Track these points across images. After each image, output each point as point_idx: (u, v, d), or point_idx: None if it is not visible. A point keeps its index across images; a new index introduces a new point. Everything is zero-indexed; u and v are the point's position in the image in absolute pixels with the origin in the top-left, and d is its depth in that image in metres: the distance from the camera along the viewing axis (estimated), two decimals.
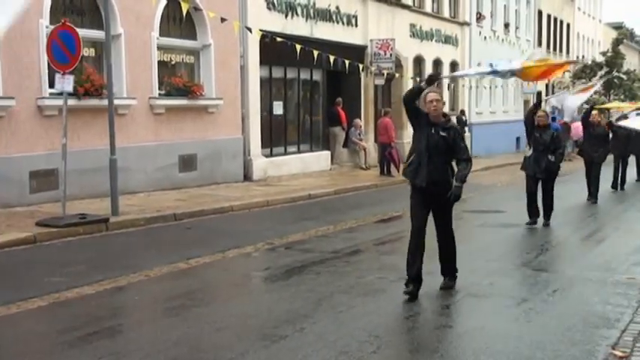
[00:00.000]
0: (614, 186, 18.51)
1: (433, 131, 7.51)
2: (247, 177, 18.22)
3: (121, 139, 13.21)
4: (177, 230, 11.80)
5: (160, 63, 15.95)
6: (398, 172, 20.98)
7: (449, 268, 7.91)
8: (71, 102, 12.55)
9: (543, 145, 12.17)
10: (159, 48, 15.78)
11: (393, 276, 8.35)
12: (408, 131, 26.53)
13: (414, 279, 7.38)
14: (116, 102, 13.13)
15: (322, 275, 8.48)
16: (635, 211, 15.50)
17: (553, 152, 12.23)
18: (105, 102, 12.72)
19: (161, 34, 15.77)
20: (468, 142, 30.36)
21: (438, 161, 7.49)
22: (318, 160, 21.52)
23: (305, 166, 20.45)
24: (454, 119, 29.24)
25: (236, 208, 14.01)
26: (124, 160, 13.53)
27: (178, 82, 16.27)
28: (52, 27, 12.02)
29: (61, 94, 11.58)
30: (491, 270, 8.99)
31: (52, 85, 12.38)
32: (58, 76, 11.38)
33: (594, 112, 16.95)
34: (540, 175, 12.30)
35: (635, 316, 6.75)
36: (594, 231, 12.58)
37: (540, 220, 12.48)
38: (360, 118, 23.07)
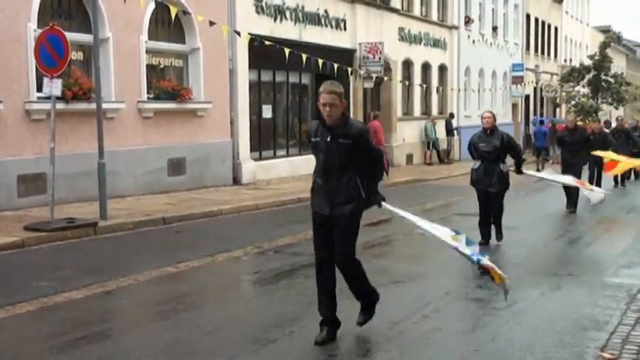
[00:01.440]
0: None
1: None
2: (236, 180, 18.21)
3: (109, 143, 13.17)
4: (167, 234, 11.76)
5: (149, 67, 15.92)
6: (387, 175, 21.01)
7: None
8: (59, 106, 12.52)
9: (492, 152, 10.63)
10: (147, 52, 15.75)
11: (383, 279, 8.34)
12: (397, 134, 26.69)
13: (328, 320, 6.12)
14: (104, 106, 13.10)
15: (311, 279, 8.39)
16: (622, 214, 15.57)
17: (504, 161, 10.74)
18: (93, 106, 12.68)
19: (150, 38, 15.75)
20: (456, 146, 30.89)
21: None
22: (307, 163, 21.39)
23: (294, 170, 20.44)
24: (442, 122, 29.56)
25: (225, 212, 13.99)
26: (113, 164, 13.50)
27: (167, 85, 16.24)
28: (40, 31, 11.97)
29: (49, 97, 11.54)
30: (480, 273, 9.00)
31: (40, 88, 12.31)
32: (46, 80, 11.33)
33: (570, 116, 16.92)
34: (493, 188, 10.67)
35: (623, 319, 6.78)
36: (582, 234, 12.63)
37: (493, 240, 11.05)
38: None
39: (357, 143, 5.92)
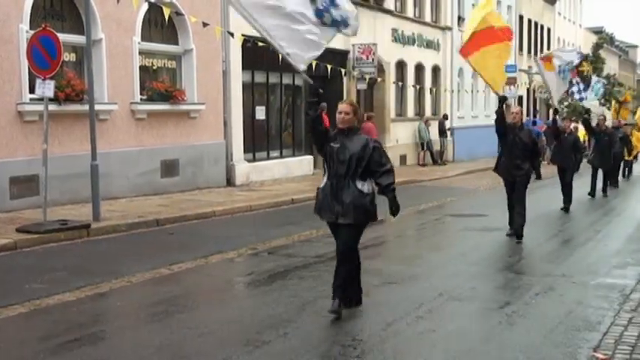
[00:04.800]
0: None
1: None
2: (230, 182, 18.18)
3: (102, 145, 13.15)
4: (160, 236, 11.74)
5: (142, 68, 15.89)
6: None
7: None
8: (52, 107, 12.48)
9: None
10: (140, 53, 15.72)
11: (376, 280, 8.36)
12: (391, 135, 26.70)
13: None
14: (97, 107, 13.06)
15: (305, 280, 8.47)
16: (615, 215, 15.62)
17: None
18: (86, 107, 12.64)
19: (143, 39, 15.72)
20: (450, 147, 30.92)
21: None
22: (301, 164, 21.51)
23: (288, 171, 20.43)
24: (436, 123, 29.58)
25: (219, 214, 13.97)
26: (106, 166, 13.46)
27: (160, 87, 16.21)
28: (33, 32, 11.94)
29: (41, 99, 11.51)
30: (474, 273, 9.03)
31: (32, 90, 12.29)
32: (38, 81, 11.31)
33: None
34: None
35: (616, 319, 6.80)
36: (575, 234, 12.66)
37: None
38: None
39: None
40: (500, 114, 11.48)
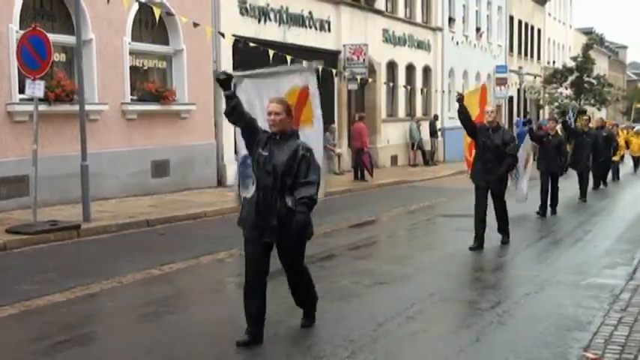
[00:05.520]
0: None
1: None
2: (221, 182, 18.16)
3: (92, 145, 13.11)
4: (150, 236, 11.72)
5: (132, 68, 15.86)
6: (371, 177, 21.08)
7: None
8: (42, 107, 12.44)
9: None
10: (131, 53, 15.69)
11: (367, 281, 8.37)
12: (382, 136, 26.73)
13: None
14: (87, 107, 13.02)
15: None
16: (604, 215, 15.67)
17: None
18: (76, 107, 12.61)
19: (133, 39, 15.69)
20: (441, 147, 30.96)
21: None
22: None
23: None
24: (427, 124, 29.63)
25: (209, 214, 13.95)
26: (96, 166, 13.42)
27: (151, 87, 16.18)
28: (23, 32, 11.89)
29: (31, 99, 11.47)
30: (465, 274, 9.06)
31: (22, 90, 12.24)
32: (28, 82, 11.26)
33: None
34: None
35: (606, 319, 6.82)
36: (565, 235, 12.69)
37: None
38: (334, 123, 23.13)
39: None
40: (464, 112, 10.76)
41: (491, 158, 10.53)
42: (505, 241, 11.03)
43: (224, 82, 6.05)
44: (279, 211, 5.79)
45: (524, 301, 7.66)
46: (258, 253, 6.01)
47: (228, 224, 13.26)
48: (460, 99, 10.81)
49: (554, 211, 14.98)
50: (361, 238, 11.78)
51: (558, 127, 16.85)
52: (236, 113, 6.05)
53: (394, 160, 28.00)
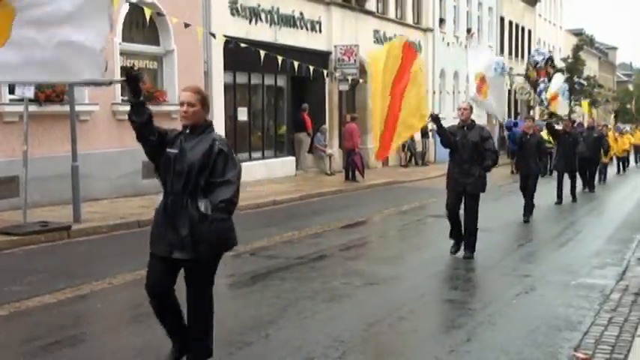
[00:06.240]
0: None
1: None
2: None
3: (83, 146, 13.06)
4: (141, 237, 11.62)
5: (123, 69, 15.77)
6: (363, 177, 21.10)
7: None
8: (32, 108, 12.39)
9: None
10: (121, 53, 15.63)
11: (358, 281, 8.38)
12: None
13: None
14: (78, 108, 12.98)
15: (287, 281, 8.46)
16: (594, 216, 15.73)
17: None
18: (66, 108, 12.57)
19: (123, 40, 15.64)
20: (432, 148, 31.00)
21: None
22: (283, 165, 21.50)
23: (270, 172, 20.41)
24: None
25: None
26: (87, 167, 13.37)
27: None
28: None
29: (21, 100, 11.42)
30: (455, 274, 9.06)
31: (12, 90, 12.20)
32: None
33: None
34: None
35: (596, 319, 6.84)
36: (555, 235, 12.73)
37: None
38: (325, 124, 23.15)
39: None
40: (443, 133, 10.15)
41: (467, 159, 9.84)
42: (468, 256, 9.87)
43: (135, 83, 5.27)
44: (190, 218, 4.92)
45: (515, 301, 7.68)
46: (160, 271, 5.15)
47: None
48: (435, 118, 10.26)
49: (527, 221, 13.83)
50: (352, 239, 11.78)
51: (544, 132, 16.88)
52: (147, 130, 5.23)
53: (385, 160, 28.01)
